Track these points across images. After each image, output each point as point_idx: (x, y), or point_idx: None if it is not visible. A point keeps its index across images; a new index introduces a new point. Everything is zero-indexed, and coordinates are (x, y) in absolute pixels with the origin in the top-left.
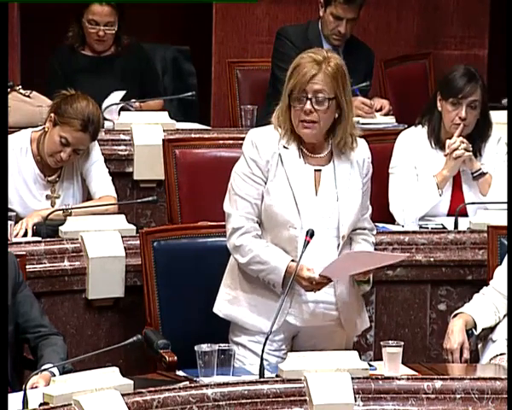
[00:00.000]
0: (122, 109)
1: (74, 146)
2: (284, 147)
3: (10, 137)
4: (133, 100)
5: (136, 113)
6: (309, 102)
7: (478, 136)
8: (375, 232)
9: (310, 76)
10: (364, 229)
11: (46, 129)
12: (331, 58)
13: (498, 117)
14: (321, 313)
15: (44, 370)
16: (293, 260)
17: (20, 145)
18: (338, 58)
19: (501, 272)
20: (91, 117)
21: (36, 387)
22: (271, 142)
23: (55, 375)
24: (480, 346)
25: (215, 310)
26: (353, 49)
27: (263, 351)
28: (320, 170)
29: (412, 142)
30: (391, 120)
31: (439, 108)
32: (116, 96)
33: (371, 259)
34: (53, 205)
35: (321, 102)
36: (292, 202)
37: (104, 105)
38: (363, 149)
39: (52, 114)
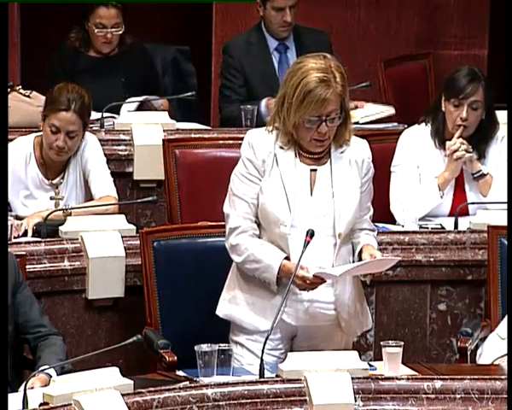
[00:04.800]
0: (142, 108)
1: (64, 129)
2: (280, 147)
3: (14, 143)
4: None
5: (136, 113)
6: (324, 123)
7: (481, 137)
8: (375, 234)
9: (322, 101)
10: (364, 230)
11: (41, 128)
12: (333, 68)
13: (499, 117)
14: (317, 312)
15: (41, 371)
16: (286, 258)
17: (24, 152)
18: (337, 63)
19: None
20: (71, 96)
21: (32, 388)
22: (267, 142)
23: (51, 376)
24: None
25: (217, 312)
26: (304, 37)
27: (263, 351)
28: (316, 170)
29: (415, 140)
30: (389, 109)
31: (443, 109)
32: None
33: (367, 267)
34: (57, 206)
35: (334, 120)
36: (284, 201)
37: (124, 110)
38: (364, 148)
39: (42, 112)
